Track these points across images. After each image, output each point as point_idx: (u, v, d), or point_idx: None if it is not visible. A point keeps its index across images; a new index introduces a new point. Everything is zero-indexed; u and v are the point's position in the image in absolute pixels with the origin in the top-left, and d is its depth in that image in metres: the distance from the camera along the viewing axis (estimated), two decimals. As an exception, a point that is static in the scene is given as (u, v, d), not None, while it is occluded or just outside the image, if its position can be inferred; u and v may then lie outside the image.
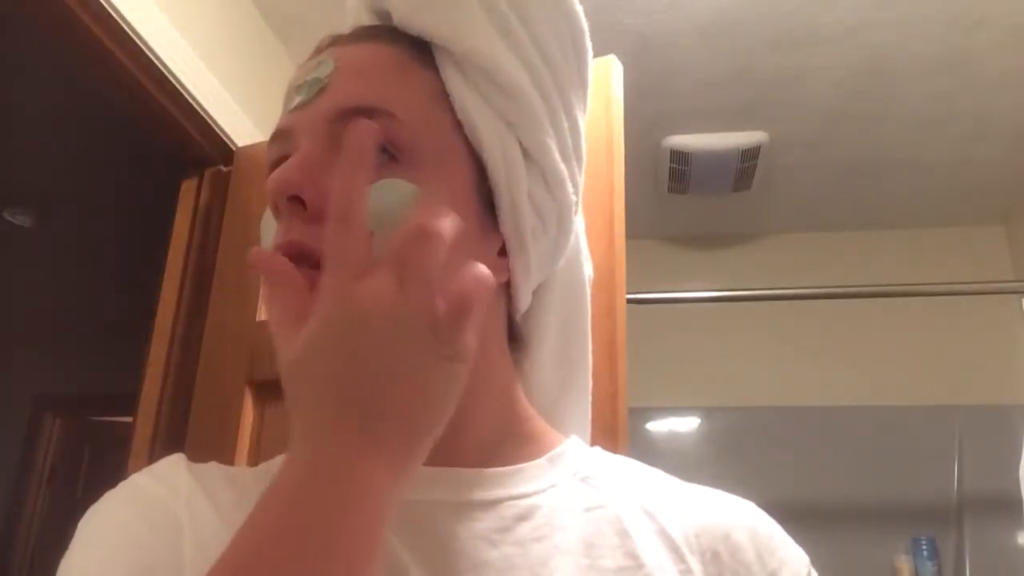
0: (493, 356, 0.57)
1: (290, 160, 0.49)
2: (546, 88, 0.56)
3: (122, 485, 0.51)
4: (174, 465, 0.53)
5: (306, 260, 0.46)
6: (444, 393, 0.41)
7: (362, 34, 0.56)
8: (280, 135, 0.53)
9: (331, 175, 0.48)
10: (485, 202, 0.54)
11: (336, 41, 0.56)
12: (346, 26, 0.60)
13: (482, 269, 0.40)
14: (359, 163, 0.42)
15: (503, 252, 0.55)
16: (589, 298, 0.67)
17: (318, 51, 0.56)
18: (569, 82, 0.58)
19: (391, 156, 0.50)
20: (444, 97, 0.53)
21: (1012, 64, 1.98)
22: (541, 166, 0.55)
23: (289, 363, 0.41)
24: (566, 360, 0.66)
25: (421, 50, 0.54)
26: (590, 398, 0.68)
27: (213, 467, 0.54)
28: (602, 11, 1.84)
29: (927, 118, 2.20)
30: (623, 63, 1.18)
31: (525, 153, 0.55)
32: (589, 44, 0.61)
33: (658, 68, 2.04)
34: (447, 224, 0.41)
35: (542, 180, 0.55)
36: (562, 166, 0.57)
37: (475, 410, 0.55)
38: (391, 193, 0.48)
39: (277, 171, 0.48)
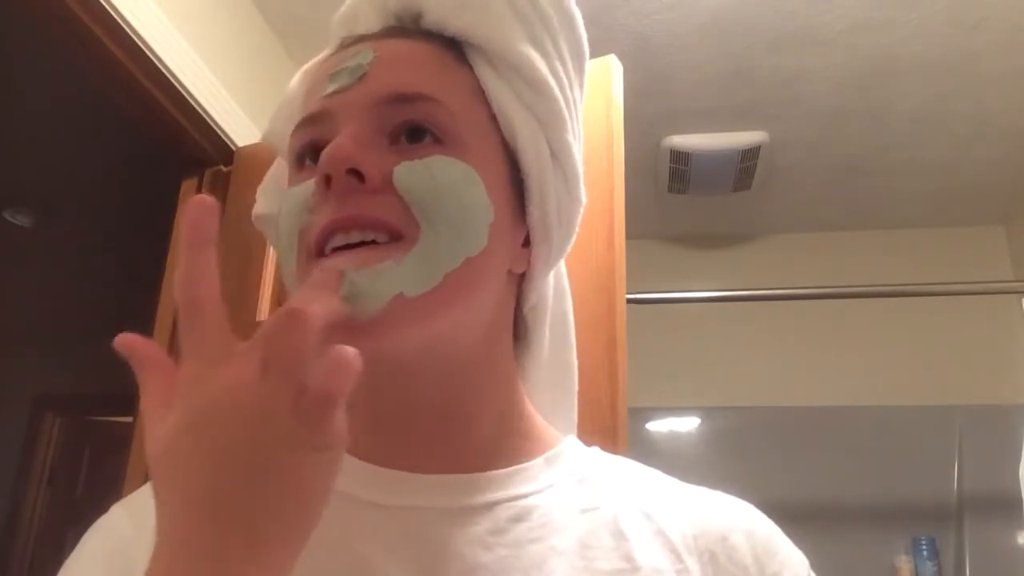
0: (500, 352, 0.57)
1: (342, 136, 0.49)
2: (565, 89, 0.58)
3: (102, 519, 0.54)
4: (149, 495, 0.53)
5: (369, 230, 0.48)
6: (315, 487, 0.38)
7: (392, 32, 0.57)
8: (314, 119, 0.53)
9: (379, 156, 0.49)
10: (516, 194, 0.55)
11: (364, 38, 0.56)
12: (357, 28, 0.60)
13: (348, 352, 0.36)
14: (199, 242, 0.40)
15: (525, 243, 0.57)
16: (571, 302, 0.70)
17: (343, 47, 0.57)
18: (578, 86, 0.61)
19: (435, 139, 0.51)
20: (480, 93, 0.55)
21: (1012, 64, 1.98)
22: (563, 164, 0.57)
23: (151, 456, 0.38)
24: (560, 361, 0.67)
25: (454, 49, 0.56)
26: (576, 401, 0.69)
27: None
28: (602, 11, 1.84)
29: (927, 118, 2.20)
30: (623, 63, 1.18)
31: (551, 150, 0.57)
32: (587, 49, 0.63)
33: (658, 68, 2.04)
34: (319, 308, 0.38)
35: (563, 177, 0.57)
36: (580, 166, 0.59)
37: (481, 409, 0.55)
38: (447, 169, 0.49)
39: (331, 146, 0.48)
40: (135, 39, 1.36)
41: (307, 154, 0.53)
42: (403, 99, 0.51)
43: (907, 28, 1.88)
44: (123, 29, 1.33)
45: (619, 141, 1.13)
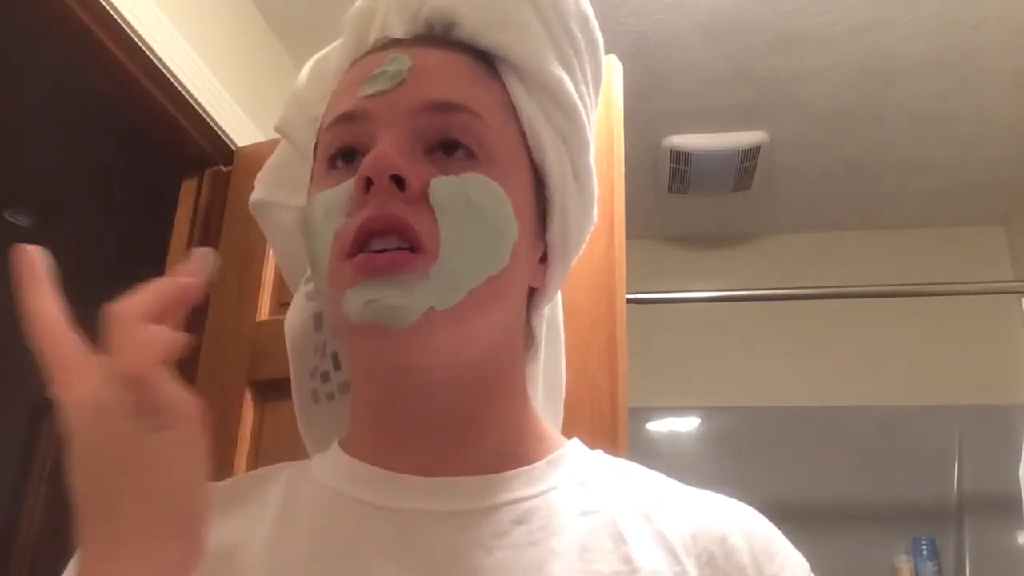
0: (513, 361, 0.58)
1: (386, 143, 0.50)
2: (589, 111, 0.60)
3: None
4: None
5: (403, 237, 0.48)
6: (172, 465, 0.41)
7: (425, 40, 0.57)
8: (349, 117, 0.53)
9: (418, 166, 0.50)
10: (538, 210, 0.56)
11: (397, 43, 0.57)
12: (376, 28, 0.60)
13: (155, 334, 0.41)
14: (37, 284, 0.44)
15: (543, 258, 0.58)
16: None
17: (374, 49, 0.57)
18: (594, 107, 0.63)
19: (470, 153, 0.52)
20: (510, 109, 0.56)
21: (1012, 64, 1.98)
22: (582, 184, 0.59)
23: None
24: (551, 365, 0.68)
25: (485, 62, 0.57)
26: (562, 406, 0.72)
27: None
28: (602, 11, 1.83)
29: (927, 118, 2.20)
30: (623, 63, 1.18)
31: (574, 171, 0.58)
32: (604, 71, 0.64)
33: (658, 68, 2.04)
34: (128, 302, 0.43)
35: (582, 198, 0.59)
36: (596, 188, 0.60)
37: (495, 415, 0.56)
38: (481, 189, 0.50)
39: (376, 152, 0.49)
40: (135, 39, 1.36)
41: (340, 156, 0.53)
42: (443, 107, 0.52)
43: (907, 28, 1.88)
44: (123, 29, 1.33)
45: (619, 141, 1.13)
